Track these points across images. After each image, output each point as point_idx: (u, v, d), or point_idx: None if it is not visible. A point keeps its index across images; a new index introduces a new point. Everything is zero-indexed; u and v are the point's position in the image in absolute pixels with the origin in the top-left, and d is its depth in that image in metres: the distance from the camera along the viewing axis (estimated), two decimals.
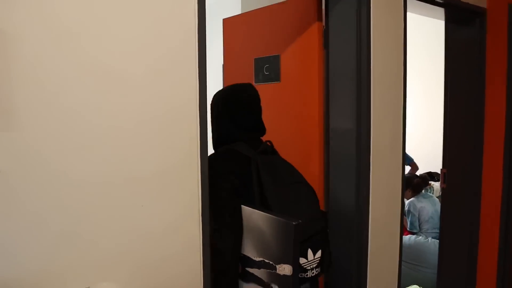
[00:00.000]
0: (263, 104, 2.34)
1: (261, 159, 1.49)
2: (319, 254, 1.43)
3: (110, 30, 1.19)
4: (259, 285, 1.36)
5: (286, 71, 2.23)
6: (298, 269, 1.31)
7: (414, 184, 3.67)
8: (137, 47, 1.24)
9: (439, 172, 2.96)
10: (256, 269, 1.38)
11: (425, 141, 4.63)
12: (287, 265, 1.26)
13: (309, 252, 1.40)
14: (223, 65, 2.55)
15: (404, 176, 2.16)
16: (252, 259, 1.39)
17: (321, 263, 1.44)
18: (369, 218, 1.95)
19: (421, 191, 3.69)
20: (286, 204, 1.43)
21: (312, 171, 2.14)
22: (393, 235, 2.12)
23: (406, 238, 3.38)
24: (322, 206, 2.08)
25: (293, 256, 1.26)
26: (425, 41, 4.70)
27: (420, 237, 3.39)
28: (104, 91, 1.18)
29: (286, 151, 2.24)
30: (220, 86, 2.50)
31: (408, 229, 3.55)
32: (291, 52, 2.20)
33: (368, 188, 1.94)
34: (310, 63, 2.12)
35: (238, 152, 1.52)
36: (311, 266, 1.40)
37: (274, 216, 1.31)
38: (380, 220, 2.01)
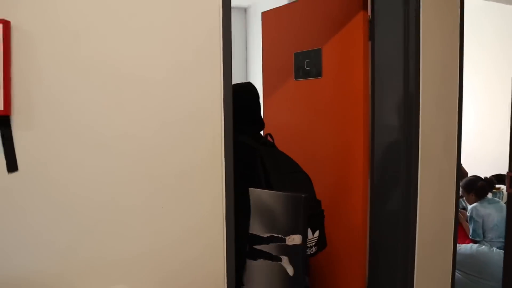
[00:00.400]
0: (303, 101, 2.26)
1: (264, 150, 1.65)
2: (317, 234, 1.62)
3: (134, 32, 1.17)
4: (268, 259, 1.51)
5: (328, 66, 2.11)
6: (306, 237, 1.50)
7: (478, 187, 3.36)
8: (160, 46, 1.21)
9: None
10: (265, 245, 1.52)
11: (490, 140, 4.25)
12: (297, 235, 1.44)
13: (309, 231, 1.57)
14: (262, 61, 2.46)
15: (459, 179, 1.95)
16: (260, 236, 1.53)
17: (318, 243, 1.63)
18: (416, 224, 1.79)
19: (486, 195, 3.38)
20: (288, 190, 1.57)
21: (355, 170, 2.01)
22: (444, 243, 1.93)
23: (468, 246, 3.11)
24: (365, 208, 1.98)
25: (302, 226, 1.44)
26: (488, 29, 4.28)
27: (484, 246, 3.10)
28: (125, 91, 1.17)
29: (329, 150, 2.13)
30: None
31: (470, 236, 3.27)
32: (333, 45, 2.08)
33: (415, 190, 1.78)
34: (354, 57, 1.99)
35: (244, 143, 1.64)
36: (311, 244, 1.59)
37: (283, 193, 1.49)
38: (429, 226, 1.84)
